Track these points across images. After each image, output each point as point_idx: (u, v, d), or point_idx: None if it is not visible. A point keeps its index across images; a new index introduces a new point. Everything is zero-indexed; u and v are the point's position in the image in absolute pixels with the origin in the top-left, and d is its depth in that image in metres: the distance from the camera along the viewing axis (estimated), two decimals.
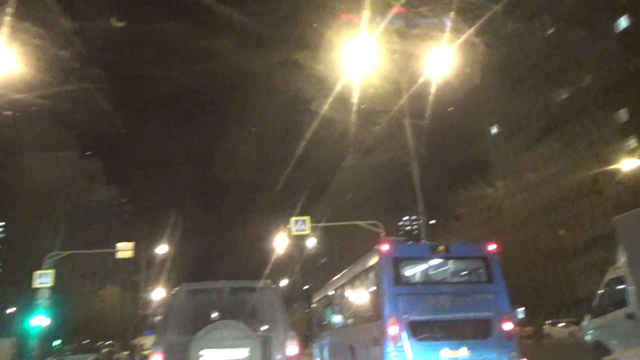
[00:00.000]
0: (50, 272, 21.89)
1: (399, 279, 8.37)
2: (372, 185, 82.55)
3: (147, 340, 46.85)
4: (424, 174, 15.62)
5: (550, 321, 31.45)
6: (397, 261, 8.49)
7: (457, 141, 48.47)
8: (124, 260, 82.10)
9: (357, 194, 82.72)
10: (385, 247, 8.50)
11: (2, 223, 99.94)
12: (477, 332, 8.09)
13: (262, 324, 5.89)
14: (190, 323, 5.70)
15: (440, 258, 9.01)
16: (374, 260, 8.80)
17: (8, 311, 32.93)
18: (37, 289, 21.49)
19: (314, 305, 16.59)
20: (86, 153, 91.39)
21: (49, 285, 21.54)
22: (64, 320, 51.26)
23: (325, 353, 13.59)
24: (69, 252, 29.50)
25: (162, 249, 46.22)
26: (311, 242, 41.32)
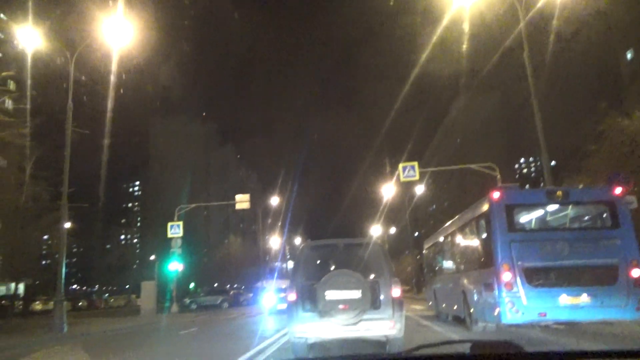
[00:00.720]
0: (180, 223, 24.90)
1: (512, 226, 8.32)
2: (485, 127, 78.23)
3: (269, 284, 51.29)
4: (545, 110, 14.41)
5: None
6: (510, 208, 8.41)
7: (584, 70, 43.61)
8: (243, 212, 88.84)
9: (467, 137, 79.04)
10: (496, 195, 8.45)
11: (137, 182, 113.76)
12: (600, 278, 7.85)
13: (371, 272, 7.17)
14: (315, 272, 7.29)
15: (558, 204, 8.72)
16: (485, 207, 8.82)
17: (151, 258, 38.05)
18: (171, 239, 24.66)
19: (425, 252, 16.96)
20: (203, 115, 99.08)
21: (180, 235, 24.45)
22: (196, 266, 57.78)
23: (438, 298, 14.00)
24: (195, 205, 32.67)
25: (274, 200, 49.44)
26: (420, 189, 41.18)
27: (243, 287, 47.54)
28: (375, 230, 58.44)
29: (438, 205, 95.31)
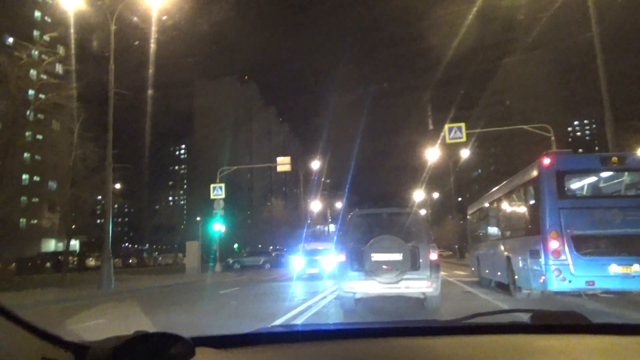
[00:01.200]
0: (222, 185, 25.14)
1: (562, 193, 7.98)
2: (535, 88, 74.55)
3: (310, 246, 52.05)
4: (608, 67, 13.12)
5: None
6: (561, 175, 8.05)
7: None
8: (285, 175, 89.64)
9: (516, 99, 75.69)
10: (547, 161, 8.09)
11: (183, 145, 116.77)
12: None
13: (412, 238, 7.94)
14: (362, 236, 8.09)
15: (613, 170, 8.26)
16: (535, 173, 8.47)
17: (197, 219, 39.32)
18: (213, 200, 25.07)
19: (469, 218, 16.67)
20: (245, 78, 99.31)
21: (222, 196, 24.72)
22: (239, 227, 59.02)
23: (481, 264, 13.82)
24: (236, 167, 32.94)
25: (316, 164, 49.57)
26: (465, 153, 40.16)
27: (285, 248, 48.62)
28: (418, 195, 57.97)
29: (483, 170, 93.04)
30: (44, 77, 18.09)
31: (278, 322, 7.19)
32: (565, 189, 8.13)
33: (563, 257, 7.63)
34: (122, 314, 9.43)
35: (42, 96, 17.43)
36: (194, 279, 20.36)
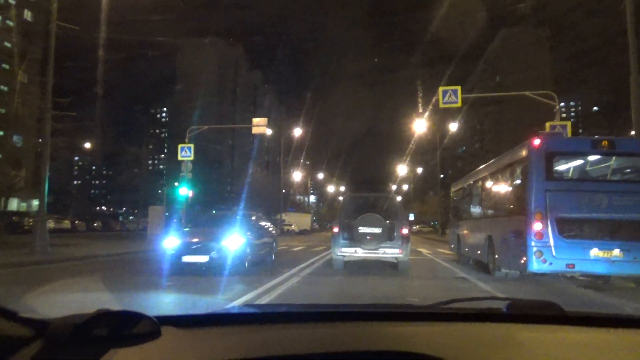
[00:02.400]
0: (192, 146, 22.94)
1: (550, 175, 8.02)
2: (526, 67, 74.67)
3: (289, 217, 51.99)
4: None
5: None
6: (550, 156, 8.07)
7: None
8: (269, 144, 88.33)
9: (506, 78, 75.83)
10: (537, 142, 8.08)
11: (165, 109, 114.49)
12: (636, 234, 7.62)
13: (389, 216, 10.24)
14: (352, 213, 10.38)
15: (604, 155, 8.30)
16: (524, 153, 8.48)
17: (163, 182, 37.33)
18: (181, 162, 22.86)
19: (452, 195, 16.80)
20: (231, 40, 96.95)
21: (190, 158, 22.56)
22: (218, 194, 58.08)
23: (462, 241, 14.01)
24: (207, 126, 29.06)
25: (298, 131, 48.37)
26: (453, 127, 40.47)
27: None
28: (402, 170, 58.26)
29: (468, 147, 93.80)
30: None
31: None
32: (553, 170, 8.16)
33: (545, 239, 7.72)
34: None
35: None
36: (152, 247, 17.29)
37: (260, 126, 24.40)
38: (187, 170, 22.66)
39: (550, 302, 1.60)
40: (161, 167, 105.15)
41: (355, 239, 10.03)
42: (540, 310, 1.56)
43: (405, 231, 10.22)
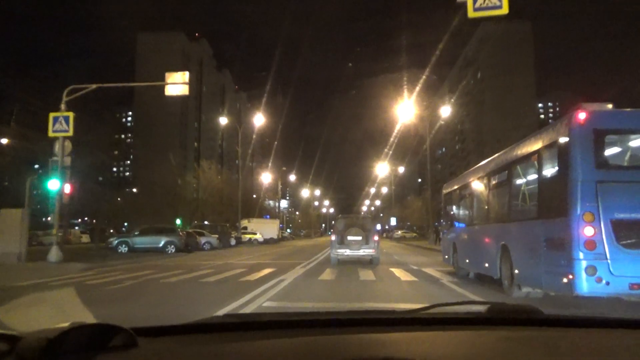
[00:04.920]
0: (69, 115, 15.99)
1: (602, 161, 6.05)
2: (509, 66, 74.17)
3: (253, 224, 46.51)
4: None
5: None
6: (600, 135, 6.09)
7: None
8: (226, 134, 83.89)
9: (487, 75, 74.93)
10: (582, 116, 6.09)
11: (130, 112, 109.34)
12: None
13: (366, 229, 15.60)
14: (343, 227, 15.79)
15: None
16: (563, 133, 6.40)
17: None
18: (53, 141, 16.27)
19: (445, 197, 14.83)
20: (196, 35, 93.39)
21: (68, 133, 16.08)
22: (147, 196, 48.62)
23: (460, 251, 12.06)
24: (96, 85, 18.07)
25: (260, 119, 43.09)
26: (446, 112, 38.97)
27: (206, 223, 40.00)
28: (380, 171, 56.87)
29: (448, 148, 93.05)
30: None
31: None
32: (606, 155, 6.18)
33: (600, 249, 5.73)
34: None
35: None
36: None
37: (178, 83, 17.23)
38: (62, 153, 15.95)
39: (530, 306, 1.63)
40: (127, 174, 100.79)
41: (345, 244, 15.56)
42: (520, 314, 1.60)
43: (376, 238, 15.90)
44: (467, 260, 11.32)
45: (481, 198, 10.75)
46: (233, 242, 36.21)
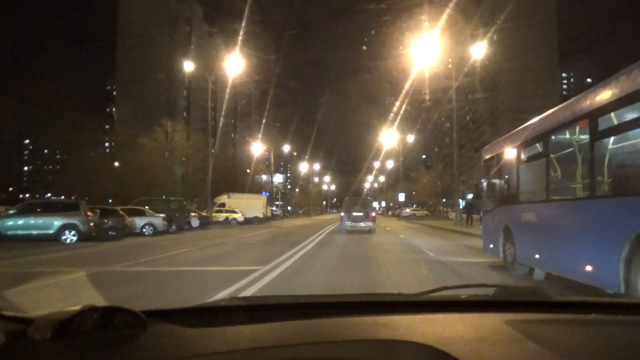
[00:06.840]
0: None
1: None
2: (522, 38, 69.50)
3: (232, 200, 39.24)
4: None
5: None
6: None
7: None
8: (198, 88, 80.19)
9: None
10: None
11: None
12: None
13: (367, 206, 23.88)
14: (350, 206, 23.96)
15: None
16: None
17: None
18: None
19: (487, 163, 11.03)
20: None
21: None
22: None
23: (518, 238, 8.55)
24: None
25: (238, 67, 34.39)
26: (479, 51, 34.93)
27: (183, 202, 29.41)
28: (388, 138, 53.94)
29: (458, 121, 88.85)
30: None
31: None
32: None
33: None
34: None
35: None
36: None
37: None
38: None
39: (537, 288, 1.67)
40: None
41: (351, 218, 22.74)
42: (527, 297, 1.63)
43: (373, 214, 23.38)
44: (538, 256, 7.66)
45: (576, 157, 6.86)
46: (195, 223, 27.76)
